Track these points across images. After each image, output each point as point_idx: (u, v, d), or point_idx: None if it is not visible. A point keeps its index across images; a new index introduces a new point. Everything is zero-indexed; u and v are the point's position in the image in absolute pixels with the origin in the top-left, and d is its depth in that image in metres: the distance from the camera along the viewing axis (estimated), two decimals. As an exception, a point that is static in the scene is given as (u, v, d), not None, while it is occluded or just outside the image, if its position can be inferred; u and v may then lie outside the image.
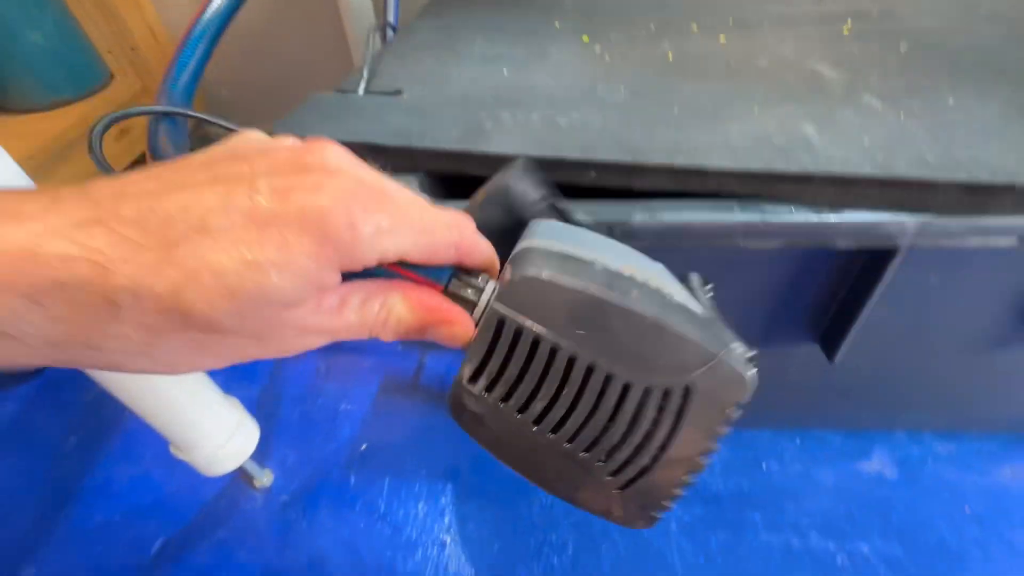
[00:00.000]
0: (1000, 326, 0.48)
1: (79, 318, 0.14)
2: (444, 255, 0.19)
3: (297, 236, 0.15)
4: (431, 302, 0.20)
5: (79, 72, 0.96)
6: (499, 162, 0.38)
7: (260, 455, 0.62)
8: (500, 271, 0.21)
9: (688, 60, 0.50)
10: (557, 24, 0.60)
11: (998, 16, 0.54)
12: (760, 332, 0.49)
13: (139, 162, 1.00)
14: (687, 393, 0.19)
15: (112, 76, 1.03)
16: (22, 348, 0.15)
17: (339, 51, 1.04)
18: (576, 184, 0.37)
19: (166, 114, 0.43)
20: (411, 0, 0.75)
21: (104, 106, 0.97)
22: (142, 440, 0.69)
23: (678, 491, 0.21)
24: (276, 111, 0.44)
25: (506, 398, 0.20)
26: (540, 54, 0.52)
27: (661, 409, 0.20)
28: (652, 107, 0.42)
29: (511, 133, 0.39)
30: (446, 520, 0.61)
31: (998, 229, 0.34)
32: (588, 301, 0.19)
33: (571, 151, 0.37)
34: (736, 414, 0.20)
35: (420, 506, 0.62)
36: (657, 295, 0.20)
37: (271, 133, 0.19)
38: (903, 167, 0.34)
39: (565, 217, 0.27)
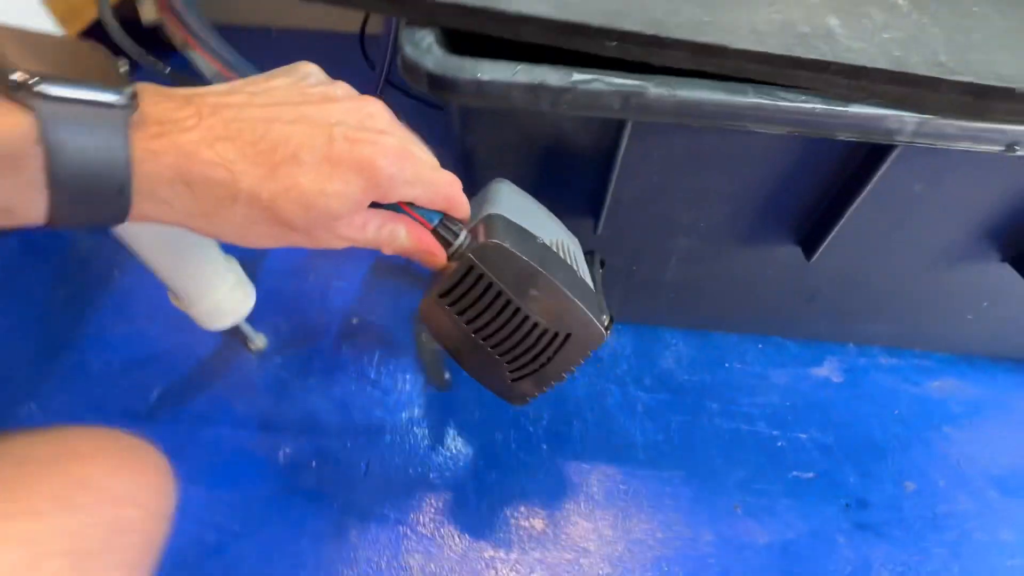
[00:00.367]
0: (965, 245, 0.52)
1: (211, 201, 0.21)
2: (439, 204, 0.28)
3: (356, 176, 0.23)
4: (423, 236, 0.28)
5: None
6: (519, 23, 0.38)
7: (255, 323, 0.64)
8: (473, 226, 0.31)
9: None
10: None
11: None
12: (747, 230, 0.51)
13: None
14: (568, 337, 0.31)
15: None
16: (170, 211, 0.21)
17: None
18: (595, 54, 0.37)
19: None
20: None
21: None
22: (134, 298, 0.70)
23: (543, 391, 0.33)
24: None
25: (460, 313, 0.31)
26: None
27: (550, 343, 0.31)
28: (679, -17, 0.41)
29: (534, -7, 0.38)
30: (431, 390, 0.65)
31: (989, 134, 0.36)
32: (528, 269, 0.29)
33: (594, 17, 0.36)
34: (590, 355, 0.32)
35: (407, 376, 0.66)
36: (570, 271, 0.32)
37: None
38: (915, 64, 0.35)
39: None
